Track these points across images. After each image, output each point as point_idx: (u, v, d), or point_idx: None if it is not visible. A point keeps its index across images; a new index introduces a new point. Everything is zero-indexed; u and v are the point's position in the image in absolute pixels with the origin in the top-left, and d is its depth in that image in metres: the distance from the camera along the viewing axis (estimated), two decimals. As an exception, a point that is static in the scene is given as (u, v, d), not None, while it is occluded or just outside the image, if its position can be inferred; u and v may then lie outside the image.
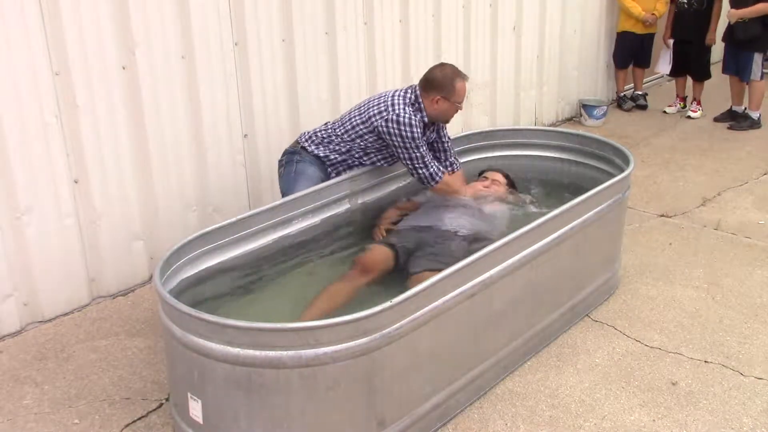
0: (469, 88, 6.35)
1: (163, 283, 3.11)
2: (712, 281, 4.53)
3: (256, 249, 3.81)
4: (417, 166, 4.15)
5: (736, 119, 7.60)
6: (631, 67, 8.13)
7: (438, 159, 4.42)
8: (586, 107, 7.69)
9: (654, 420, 3.36)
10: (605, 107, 7.74)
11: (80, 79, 4.00)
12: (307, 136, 4.31)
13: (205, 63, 4.51)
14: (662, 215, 5.49)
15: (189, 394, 3.01)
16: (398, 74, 5.80)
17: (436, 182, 4.21)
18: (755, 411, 3.41)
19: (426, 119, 4.16)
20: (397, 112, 4.07)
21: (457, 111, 4.23)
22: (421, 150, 4.12)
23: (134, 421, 3.40)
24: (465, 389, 3.41)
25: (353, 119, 4.21)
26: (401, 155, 4.14)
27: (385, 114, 4.09)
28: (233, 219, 3.70)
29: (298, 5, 4.93)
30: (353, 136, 4.19)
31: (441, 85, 4.12)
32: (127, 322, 4.18)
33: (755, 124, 7.48)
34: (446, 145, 4.46)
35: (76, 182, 4.12)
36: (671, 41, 7.80)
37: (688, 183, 6.12)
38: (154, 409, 3.47)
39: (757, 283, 4.51)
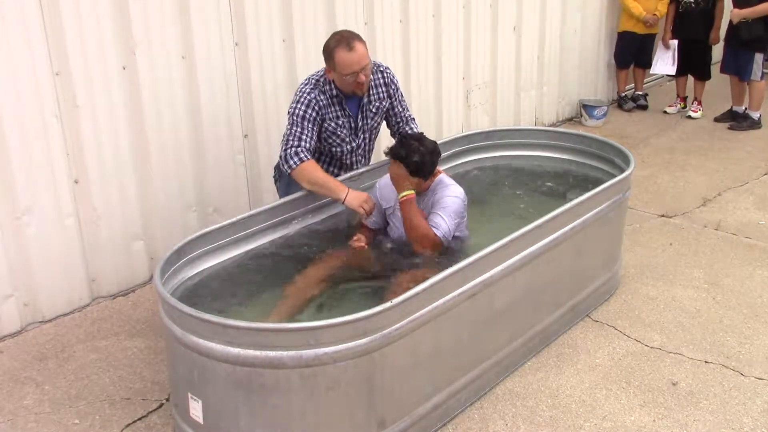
0: (468, 88, 6.44)
1: (164, 283, 3.11)
2: (712, 281, 4.53)
3: (256, 249, 3.80)
4: (283, 140, 3.92)
5: (736, 119, 7.59)
6: (632, 67, 8.12)
7: (392, 133, 4.28)
8: (587, 107, 7.68)
9: (654, 420, 3.36)
10: (605, 107, 7.74)
11: (80, 79, 4.01)
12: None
13: (205, 63, 4.51)
14: (662, 215, 5.49)
15: (189, 395, 3.01)
16: (399, 74, 5.78)
17: (291, 167, 3.85)
18: (755, 411, 3.41)
19: (335, 90, 3.92)
20: (301, 88, 3.94)
21: (354, 82, 3.85)
22: (295, 129, 3.86)
23: (134, 422, 3.40)
24: (465, 389, 3.41)
25: None
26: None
27: (298, 91, 3.97)
28: (233, 219, 3.70)
29: (299, 5, 4.93)
30: None
31: (325, 55, 3.86)
32: (127, 323, 4.18)
33: (755, 125, 7.47)
34: (399, 117, 4.23)
35: (76, 182, 4.12)
36: (673, 42, 7.77)
37: (689, 183, 6.12)
38: (155, 410, 3.47)
39: (758, 283, 4.51)
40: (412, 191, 3.65)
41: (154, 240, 4.54)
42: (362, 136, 4.15)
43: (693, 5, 7.57)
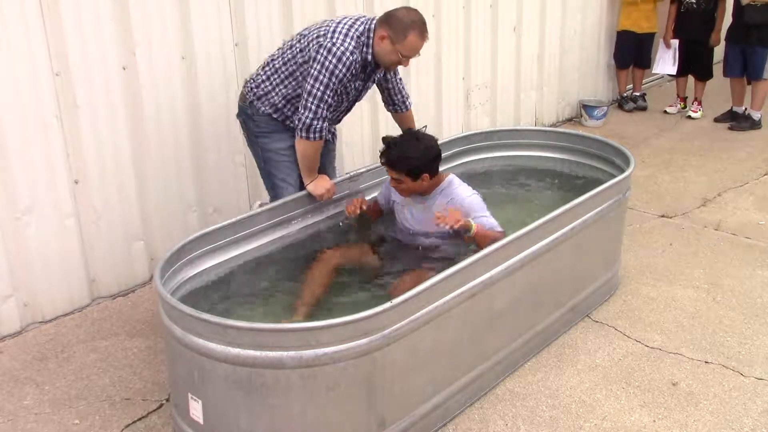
0: (468, 88, 6.44)
1: (164, 283, 3.11)
2: (712, 282, 4.53)
3: (256, 249, 3.81)
4: (309, 105, 3.67)
5: (736, 120, 7.59)
6: (631, 67, 8.12)
7: (384, 97, 4.20)
8: (587, 108, 7.68)
9: (654, 420, 3.36)
10: (606, 108, 7.74)
11: (81, 79, 4.00)
12: (252, 86, 3.97)
13: (205, 63, 4.51)
14: (663, 216, 5.49)
15: (189, 395, 3.01)
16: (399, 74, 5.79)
17: (309, 138, 3.73)
18: (756, 411, 3.41)
19: (370, 57, 3.73)
20: (333, 41, 3.63)
21: (399, 62, 3.76)
22: (328, 93, 3.65)
23: (134, 422, 3.40)
24: (465, 390, 3.41)
25: (294, 46, 3.82)
26: (306, 85, 3.68)
27: (322, 40, 3.66)
28: (233, 219, 3.70)
29: (299, 5, 4.93)
30: (292, 67, 3.81)
31: (395, 25, 3.65)
32: (127, 323, 4.18)
33: (756, 125, 7.47)
34: (391, 83, 4.12)
35: (76, 183, 4.12)
36: (674, 41, 7.78)
37: (689, 183, 6.12)
38: (155, 410, 3.47)
39: (758, 283, 4.51)
40: (472, 226, 3.52)
41: (154, 240, 4.54)
42: (360, 100, 4.11)
43: (694, 6, 7.57)
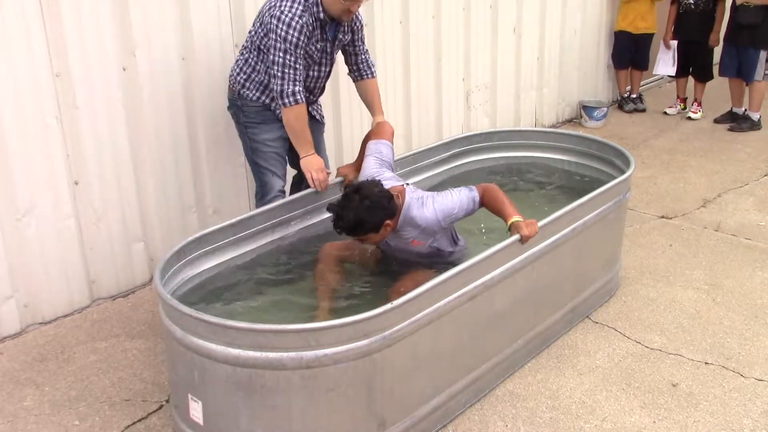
0: (468, 89, 6.44)
1: (164, 284, 3.11)
2: (712, 283, 4.53)
3: (255, 250, 3.81)
4: (275, 73, 3.80)
5: (736, 120, 7.59)
6: (630, 68, 8.13)
7: (349, 63, 4.24)
8: (587, 108, 7.68)
9: (654, 421, 3.36)
10: (605, 108, 7.74)
11: (80, 80, 4.00)
12: (234, 75, 4.09)
13: (205, 64, 4.51)
14: (662, 217, 5.49)
15: (189, 396, 3.01)
16: (399, 75, 5.80)
17: (285, 104, 3.83)
18: (756, 412, 3.41)
19: (322, 14, 3.83)
20: (282, 8, 3.78)
21: (348, 9, 3.83)
22: (288, 57, 3.77)
23: (134, 423, 3.39)
24: (465, 391, 3.41)
25: (256, 25, 3.97)
26: (269, 56, 3.82)
27: (274, 10, 3.81)
28: (233, 220, 3.71)
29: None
30: (257, 44, 3.95)
31: None
32: (127, 324, 4.18)
33: (755, 126, 7.47)
34: (358, 49, 4.20)
35: (76, 183, 4.11)
36: (673, 42, 7.79)
37: (689, 184, 6.12)
38: (155, 411, 3.47)
39: (758, 284, 4.51)
40: (517, 218, 3.45)
41: (154, 241, 4.53)
42: (331, 64, 4.12)
43: (693, 6, 7.58)
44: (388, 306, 2.85)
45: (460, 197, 3.54)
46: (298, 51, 3.81)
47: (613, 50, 8.06)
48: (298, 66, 3.82)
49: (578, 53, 7.68)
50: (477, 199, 3.54)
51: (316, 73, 4.07)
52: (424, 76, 6.02)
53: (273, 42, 3.79)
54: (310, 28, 3.83)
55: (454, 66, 6.28)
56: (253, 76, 4.05)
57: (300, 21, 3.77)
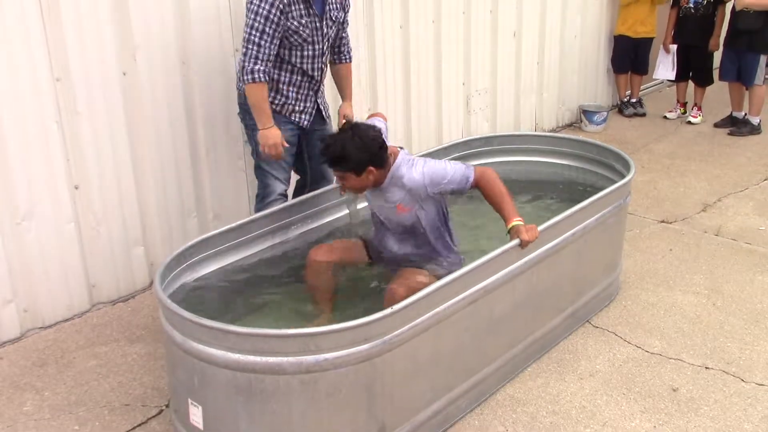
0: (468, 94, 6.45)
1: (164, 288, 3.11)
2: (712, 287, 4.53)
3: (256, 254, 3.81)
4: (244, 50, 3.84)
5: (736, 125, 7.60)
6: (629, 73, 8.13)
7: (332, 46, 4.25)
8: (587, 113, 7.69)
9: (655, 426, 3.36)
10: (605, 113, 7.74)
11: (81, 84, 4.01)
12: (240, 75, 4.02)
13: (205, 69, 4.51)
14: (663, 221, 5.49)
15: (189, 400, 3.00)
16: (399, 79, 5.80)
17: (244, 80, 3.86)
18: (756, 417, 3.40)
19: None
20: None
21: None
22: (254, 33, 3.79)
23: (134, 428, 3.39)
24: (466, 395, 3.40)
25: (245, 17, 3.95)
26: (243, 34, 3.85)
27: None
28: (233, 225, 3.71)
29: (299, 11, 4.93)
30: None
31: None
32: (127, 328, 4.18)
33: (755, 130, 7.48)
34: (344, 32, 4.27)
35: (76, 188, 4.11)
36: (673, 46, 7.80)
37: (689, 189, 6.12)
38: (154, 416, 3.47)
39: (758, 289, 4.51)
40: (518, 222, 3.43)
41: (154, 245, 4.53)
42: (325, 42, 4.09)
43: (693, 11, 7.59)
44: (388, 310, 2.85)
45: (453, 169, 3.48)
46: (268, 25, 3.78)
47: (612, 54, 8.07)
48: (263, 42, 3.80)
49: (578, 57, 7.69)
50: (471, 178, 3.48)
51: (309, 52, 4.03)
52: (424, 80, 6.03)
53: (248, 20, 3.81)
54: (288, 0, 3.80)
55: (454, 70, 6.29)
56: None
57: None
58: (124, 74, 4.17)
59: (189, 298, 3.43)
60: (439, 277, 3.49)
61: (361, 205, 4.25)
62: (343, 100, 4.38)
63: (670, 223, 5.46)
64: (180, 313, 2.88)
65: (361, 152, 3.35)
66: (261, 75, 3.84)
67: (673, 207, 5.74)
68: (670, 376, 3.71)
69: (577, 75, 7.74)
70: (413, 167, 3.49)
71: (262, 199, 4.20)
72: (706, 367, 3.77)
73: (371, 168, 3.39)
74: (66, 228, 4.12)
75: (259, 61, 3.83)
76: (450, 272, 3.26)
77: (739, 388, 3.60)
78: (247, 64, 3.84)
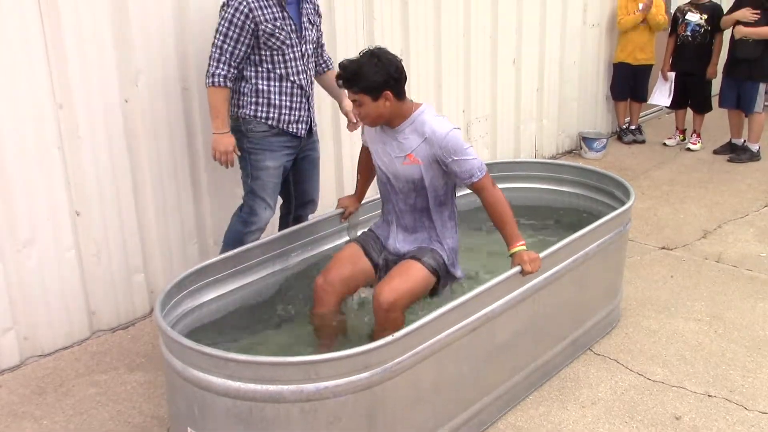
0: (468, 121, 6.47)
1: (164, 316, 3.11)
2: (714, 314, 4.52)
3: (256, 281, 3.80)
4: (210, 54, 3.91)
5: (735, 152, 7.62)
6: (629, 100, 8.17)
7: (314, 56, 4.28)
8: (586, 140, 7.71)
9: (658, 455, 3.33)
10: (605, 140, 7.77)
11: (83, 111, 4.02)
12: (232, 101, 4.09)
13: (206, 95, 4.51)
14: (663, 247, 5.49)
15: (189, 429, 2.98)
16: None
17: (206, 83, 3.94)
18: (760, 446, 3.38)
19: None
20: None
21: None
22: (218, 37, 3.87)
23: (133, 457, 3.37)
24: (467, 424, 3.38)
25: None
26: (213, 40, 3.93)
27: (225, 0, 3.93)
28: (233, 252, 3.70)
29: (300, 39, 4.97)
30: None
31: None
32: (127, 356, 4.16)
33: (755, 157, 7.50)
34: (321, 40, 4.34)
35: (77, 214, 4.12)
36: (671, 74, 7.85)
37: (689, 215, 6.12)
38: (154, 444, 3.45)
39: (760, 316, 4.49)
40: (520, 247, 3.43)
41: (154, 273, 4.53)
42: (305, 45, 4.10)
43: (690, 39, 7.65)
44: (389, 338, 2.84)
45: (473, 156, 3.41)
46: (231, 28, 3.85)
47: (612, 82, 8.12)
48: (225, 45, 3.87)
49: (577, 85, 7.73)
50: (476, 177, 3.42)
51: (291, 55, 4.03)
52: (424, 108, 6.05)
53: (218, 26, 3.89)
54: (252, 5, 3.84)
55: (454, 97, 6.32)
56: (243, 86, 4.06)
57: (244, 3, 3.83)
58: (126, 101, 4.19)
59: (189, 325, 3.42)
60: (433, 270, 3.53)
61: (362, 231, 4.26)
62: (340, 102, 4.40)
63: (671, 249, 5.46)
64: (180, 341, 2.87)
65: (379, 73, 3.28)
66: (221, 79, 3.90)
67: (673, 233, 5.74)
68: (673, 404, 3.69)
69: (576, 102, 7.78)
70: (440, 119, 3.44)
71: (245, 224, 4.18)
72: (709, 395, 3.75)
73: (388, 92, 3.33)
74: (66, 255, 4.12)
75: (221, 65, 3.89)
76: (447, 261, 3.46)
77: (742, 416, 3.58)
78: (209, 67, 3.92)
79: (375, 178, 3.86)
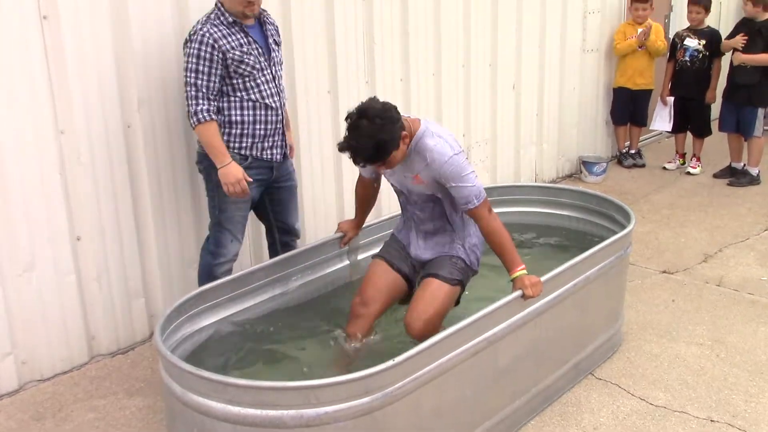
0: (469, 145, 6.49)
1: (164, 340, 3.10)
2: (715, 338, 4.50)
3: (256, 306, 3.80)
4: (186, 95, 3.84)
5: (735, 175, 7.63)
6: (629, 124, 8.20)
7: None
8: (586, 164, 7.73)
9: (661, 481, 3.30)
10: (605, 164, 7.78)
11: (84, 137, 4.04)
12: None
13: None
14: (664, 271, 5.48)
15: (188, 455, 2.96)
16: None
17: (192, 123, 3.85)
18: (763, 471, 3.36)
19: (230, 18, 3.85)
20: (190, 32, 3.87)
21: (245, 4, 3.83)
22: (190, 74, 3.80)
23: (132, 483, 3.34)
24: (468, 449, 3.36)
25: None
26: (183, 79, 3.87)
27: (187, 36, 3.89)
28: (234, 276, 3.71)
29: (301, 65, 4.99)
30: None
31: None
32: (126, 381, 4.14)
33: (755, 181, 7.51)
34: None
35: (78, 239, 4.12)
36: (670, 99, 7.89)
37: (689, 239, 6.12)
38: (153, 470, 3.42)
39: (761, 340, 4.48)
40: (521, 272, 3.47)
41: (155, 297, 4.52)
42: (275, 68, 4.07)
43: (689, 64, 7.69)
44: (390, 363, 2.83)
45: (472, 182, 3.43)
46: (200, 63, 3.79)
47: (612, 106, 8.15)
48: (199, 81, 3.80)
49: (577, 109, 7.76)
50: (472, 205, 3.44)
51: (262, 78, 3.99)
52: (424, 132, 6.06)
53: (185, 64, 3.84)
54: (216, 35, 3.79)
55: (454, 122, 6.34)
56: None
57: (202, 30, 3.79)
58: (129, 127, 4.21)
59: (189, 350, 3.41)
60: (455, 281, 3.63)
61: (362, 255, 4.26)
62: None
63: (672, 273, 5.45)
64: (179, 365, 2.86)
65: (390, 129, 3.28)
66: (205, 114, 3.83)
67: (674, 257, 5.74)
68: (675, 429, 3.66)
69: (576, 127, 7.80)
70: (441, 143, 3.44)
71: (213, 255, 4.12)
72: (711, 420, 3.72)
73: (404, 132, 3.37)
74: (66, 280, 4.12)
75: (201, 101, 3.82)
76: (468, 262, 3.62)
77: (745, 442, 3.56)
78: (190, 107, 3.83)
79: (375, 204, 3.97)
